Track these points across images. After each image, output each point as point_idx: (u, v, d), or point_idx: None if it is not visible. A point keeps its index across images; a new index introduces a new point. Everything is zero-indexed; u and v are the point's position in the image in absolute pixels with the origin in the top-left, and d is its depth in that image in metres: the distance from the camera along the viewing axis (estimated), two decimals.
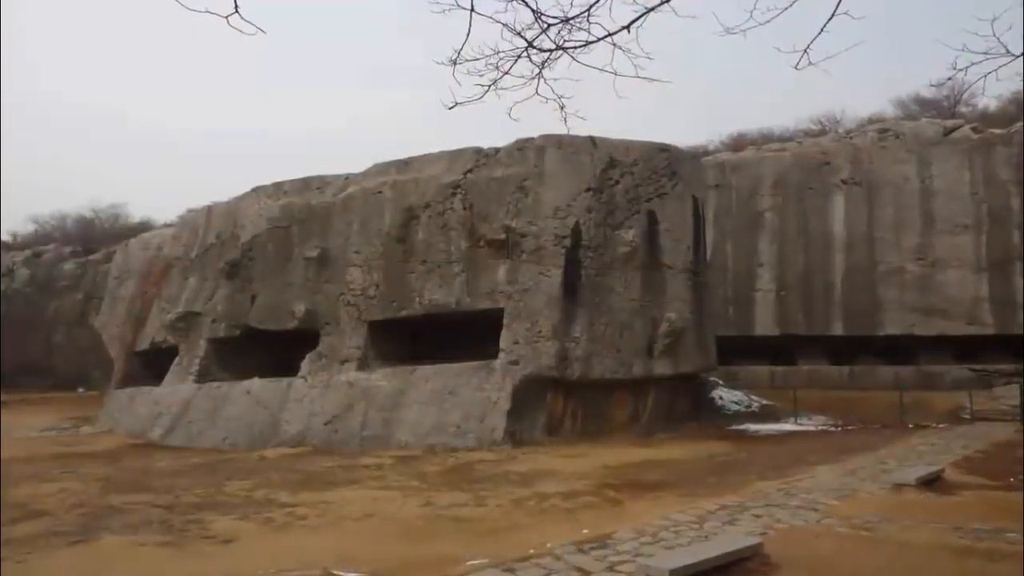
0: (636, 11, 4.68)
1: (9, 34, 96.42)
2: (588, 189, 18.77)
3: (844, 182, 28.79)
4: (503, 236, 18.44)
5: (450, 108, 5.02)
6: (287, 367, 20.45)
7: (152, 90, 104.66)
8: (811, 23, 4.89)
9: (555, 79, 5.01)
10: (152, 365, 25.04)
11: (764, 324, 29.22)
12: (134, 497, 11.24)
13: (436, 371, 18.34)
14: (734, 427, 20.52)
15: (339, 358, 19.81)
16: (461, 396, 17.66)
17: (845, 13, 4.69)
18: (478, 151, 19.93)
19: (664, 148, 20.33)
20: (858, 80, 59.08)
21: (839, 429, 20.01)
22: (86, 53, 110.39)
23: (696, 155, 27.63)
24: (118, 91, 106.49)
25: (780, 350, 28.91)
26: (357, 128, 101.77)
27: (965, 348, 26.69)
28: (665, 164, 19.88)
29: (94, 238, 51.99)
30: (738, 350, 27.63)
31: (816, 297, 28.55)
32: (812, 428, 20.37)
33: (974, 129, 28.38)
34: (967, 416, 20.88)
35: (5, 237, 55.07)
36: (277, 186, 23.05)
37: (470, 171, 19.62)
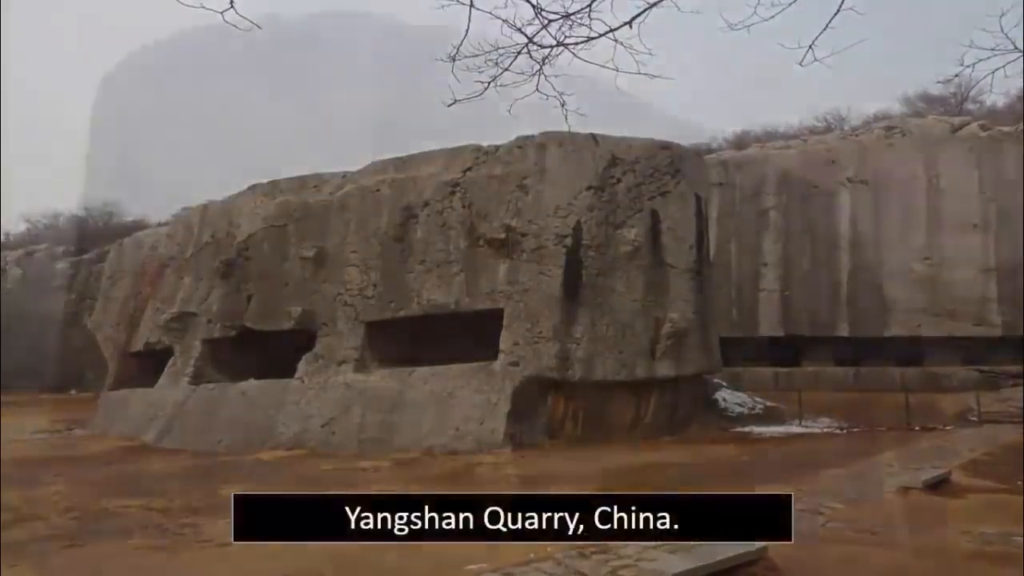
0: (638, 6, 4.62)
1: (8, 33, 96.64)
2: (589, 187, 18.59)
3: (850, 180, 28.59)
4: (503, 235, 18.28)
5: (449, 105, 4.96)
6: (283, 368, 20.27)
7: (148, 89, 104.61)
8: (816, 19, 4.77)
9: (556, 76, 4.94)
10: (146, 366, 24.87)
11: (769, 325, 29.04)
12: (128, 501, 11.16)
13: (435, 373, 18.17)
14: (738, 429, 20.33)
15: (336, 359, 19.65)
16: (460, 398, 17.49)
17: (850, 9, 4.60)
18: (477, 149, 19.78)
19: (666, 146, 20.15)
20: (864, 77, 58.93)
21: (845, 431, 19.86)
22: (82, 51, 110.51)
23: (699, 153, 27.43)
24: (114, 90, 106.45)
25: (785, 351, 28.73)
26: (357, 128, 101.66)
27: (973, 349, 26.51)
28: (668, 162, 19.70)
29: (87, 237, 51.47)
30: (742, 351, 27.46)
31: (821, 297, 28.35)
32: (817, 430, 20.21)
33: (982, 127, 28.20)
34: (975, 418, 20.77)
35: None
36: (273, 184, 22.91)
37: (469, 169, 19.46)
